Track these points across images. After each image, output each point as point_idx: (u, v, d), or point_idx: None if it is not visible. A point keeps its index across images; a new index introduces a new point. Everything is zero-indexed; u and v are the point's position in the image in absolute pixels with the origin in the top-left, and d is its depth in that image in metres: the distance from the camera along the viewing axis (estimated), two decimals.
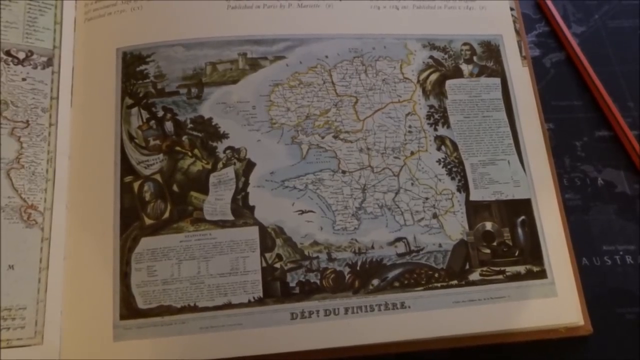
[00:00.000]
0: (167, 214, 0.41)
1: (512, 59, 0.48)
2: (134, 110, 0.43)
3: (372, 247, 0.41)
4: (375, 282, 0.40)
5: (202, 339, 0.38)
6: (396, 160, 0.43)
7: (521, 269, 0.41)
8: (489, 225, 0.43)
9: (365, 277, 0.40)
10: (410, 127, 0.45)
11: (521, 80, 0.47)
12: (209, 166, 0.42)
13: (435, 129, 0.45)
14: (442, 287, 0.40)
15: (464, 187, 0.43)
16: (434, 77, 0.46)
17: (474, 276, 0.41)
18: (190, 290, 0.39)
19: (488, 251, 0.42)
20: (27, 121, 0.42)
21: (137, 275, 0.39)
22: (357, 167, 0.43)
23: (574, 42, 0.52)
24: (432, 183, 0.43)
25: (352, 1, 0.48)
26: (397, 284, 0.40)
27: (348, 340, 0.38)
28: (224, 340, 0.38)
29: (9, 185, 0.40)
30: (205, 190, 0.41)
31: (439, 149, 0.44)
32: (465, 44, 0.47)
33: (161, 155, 0.42)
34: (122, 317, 0.38)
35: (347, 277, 0.40)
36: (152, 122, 0.43)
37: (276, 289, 0.39)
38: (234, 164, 0.42)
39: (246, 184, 0.42)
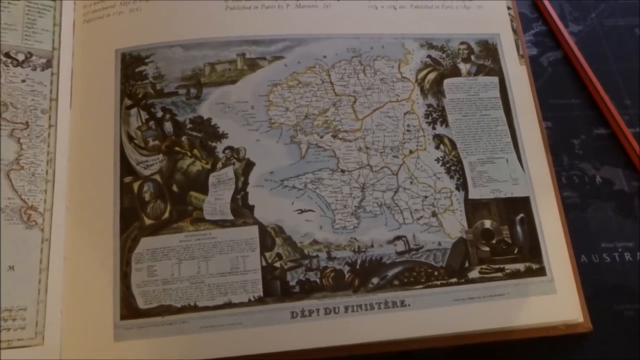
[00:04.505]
0: (166, 214, 0.41)
1: (510, 57, 0.48)
2: (133, 111, 0.43)
3: (372, 246, 0.41)
4: (375, 280, 0.40)
5: (203, 338, 0.38)
6: (395, 159, 0.44)
7: (520, 266, 0.41)
8: (487, 223, 0.43)
9: (365, 275, 0.40)
10: (408, 126, 0.45)
11: (519, 79, 0.47)
12: (208, 166, 0.42)
13: (434, 128, 0.45)
14: (442, 285, 0.40)
15: (462, 186, 0.43)
16: (432, 76, 0.46)
17: (473, 274, 0.41)
18: (191, 290, 0.39)
19: (487, 249, 0.42)
20: (27, 122, 0.42)
21: (137, 275, 0.39)
22: (356, 166, 0.43)
23: (571, 41, 0.52)
24: (431, 182, 0.43)
25: (349, 1, 0.48)
26: (396, 282, 0.40)
27: (348, 339, 0.39)
28: (225, 339, 0.38)
29: (8, 186, 0.40)
30: (204, 190, 0.42)
31: (437, 147, 0.44)
32: (462, 43, 0.48)
33: (160, 156, 0.42)
34: (123, 317, 0.38)
35: (346, 275, 0.40)
36: (151, 123, 0.43)
37: (276, 288, 0.39)
38: (233, 163, 0.42)
39: (245, 183, 0.42)
